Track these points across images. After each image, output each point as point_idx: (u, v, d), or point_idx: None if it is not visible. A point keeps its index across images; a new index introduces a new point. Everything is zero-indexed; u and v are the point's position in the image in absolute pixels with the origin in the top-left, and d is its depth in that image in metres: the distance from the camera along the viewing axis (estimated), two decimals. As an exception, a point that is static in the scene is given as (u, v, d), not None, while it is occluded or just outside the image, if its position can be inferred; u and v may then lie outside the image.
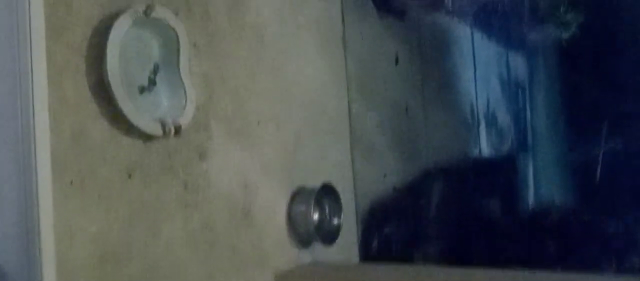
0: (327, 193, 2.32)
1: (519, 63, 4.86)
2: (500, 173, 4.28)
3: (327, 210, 2.33)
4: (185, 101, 1.77)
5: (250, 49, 2.13)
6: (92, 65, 1.58)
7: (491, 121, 4.39)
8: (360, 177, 2.74)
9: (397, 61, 3.10)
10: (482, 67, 4.16)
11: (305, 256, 2.29)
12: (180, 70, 1.78)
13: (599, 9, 4.67)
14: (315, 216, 2.27)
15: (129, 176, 1.64)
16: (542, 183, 4.66)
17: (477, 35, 4.07)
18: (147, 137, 1.68)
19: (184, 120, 1.76)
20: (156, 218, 1.71)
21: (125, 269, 1.61)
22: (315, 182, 2.31)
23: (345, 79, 2.70)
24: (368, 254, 2.66)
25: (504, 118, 4.59)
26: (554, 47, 5.07)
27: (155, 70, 1.74)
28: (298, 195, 2.25)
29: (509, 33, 4.58)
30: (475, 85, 4.10)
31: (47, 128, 1.43)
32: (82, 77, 1.57)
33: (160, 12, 1.71)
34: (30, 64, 1.37)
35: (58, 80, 1.51)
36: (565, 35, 4.77)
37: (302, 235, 2.23)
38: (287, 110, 2.29)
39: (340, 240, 2.36)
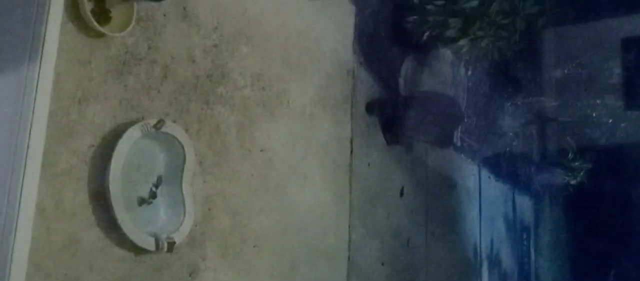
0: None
1: (525, 205, 4.85)
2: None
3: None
4: (183, 217, 1.76)
5: (256, 169, 2.14)
6: (95, 173, 1.58)
7: (494, 262, 4.31)
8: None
9: (402, 193, 3.10)
10: (487, 207, 4.15)
11: None
12: (183, 186, 1.77)
13: (606, 158, 4.72)
14: None
15: (115, 289, 1.60)
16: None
17: (485, 175, 4.10)
18: (139, 250, 1.65)
19: (179, 237, 1.73)
20: (136, 336, 1.64)
21: None
22: (308, 311, 2.23)
23: (348, 206, 2.68)
24: None
25: (507, 260, 4.52)
26: (561, 192, 5.08)
27: (157, 183, 1.74)
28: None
29: (517, 175, 4.61)
30: (480, 224, 4.07)
31: (28, 238, 1.38)
32: (83, 184, 1.56)
33: (170, 127, 1.74)
34: (23, 174, 1.35)
35: (58, 184, 1.50)
36: (573, 181, 4.80)
37: None
38: (285, 233, 2.26)
39: None
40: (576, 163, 4.84)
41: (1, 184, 1.37)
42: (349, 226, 2.68)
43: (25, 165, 1.35)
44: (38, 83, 1.39)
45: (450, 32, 3.07)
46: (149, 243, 1.64)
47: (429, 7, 3.01)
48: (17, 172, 1.35)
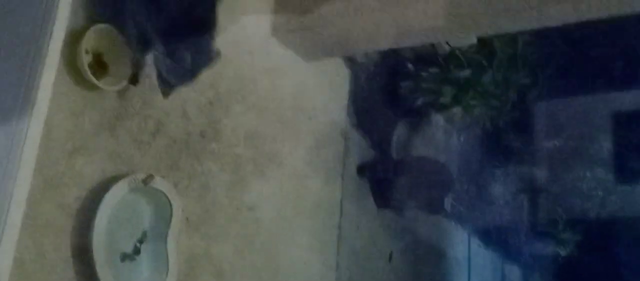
0: None
1: (514, 276, 4.80)
2: None
3: None
4: (166, 276, 1.72)
5: (244, 228, 2.12)
6: (79, 227, 1.56)
7: (482, 333, 4.23)
8: None
9: (390, 258, 3.07)
10: (476, 275, 4.10)
11: None
12: (168, 242, 1.75)
13: (597, 230, 4.71)
14: None
15: None
16: None
17: (474, 243, 4.07)
18: (119, 308, 1.60)
19: (160, 296, 1.70)
20: None
21: None
22: None
23: (335, 270, 2.64)
24: None
25: (495, 331, 4.44)
26: (551, 263, 5.04)
27: (142, 239, 1.71)
28: None
29: (507, 244, 4.58)
30: (469, 293, 4.01)
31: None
32: (66, 237, 1.54)
33: (159, 183, 1.72)
34: (4, 225, 1.33)
35: (40, 236, 1.48)
36: (563, 253, 4.77)
37: None
38: (270, 296, 2.22)
39: None
40: (566, 235, 4.82)
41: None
42: (335, 291, 2.63)
43: (7, 215, 1.33)
44: (27, 134, 1.38)
45: (444, 100, 3.11)
46: (129, 301, 1.61)
47: (423, 74, 3.06)
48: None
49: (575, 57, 4.12)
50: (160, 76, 1.80)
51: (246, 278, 2.11)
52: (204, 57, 1.94)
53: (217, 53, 1.99)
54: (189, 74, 1.89)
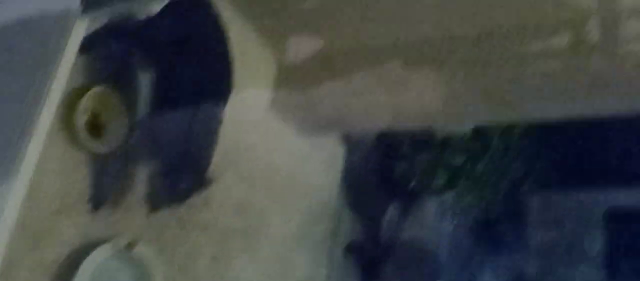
0: None
1: None
2: None
3: None
4: None
5: (225, 302, 2.05)
6: (56, 291, 1.51)
7: None
8: None
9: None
10: None
11: None
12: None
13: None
14: None
15: None
16: None
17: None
18: None
19: None
20: None
21: None
22: None
23: None
24: None
25: None
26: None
27: (120, 309, 1.66)
28: None
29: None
30: None
31: None
32: (41, 303, 1.49)
33: (141, 250, 1.68)
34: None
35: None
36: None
37: None
38: None
39: None
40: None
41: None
42: None
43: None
44: (11, 191, 1.36)
45: (437, 184, 3.10)
46: None
47: (418, 157, 3.06)
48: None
49: (571, 151, 4.15)
50: (150, 195, 1.79)
51: None
52: (199, 180, 1.94)
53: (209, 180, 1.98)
54: (181, 197, 1.88)
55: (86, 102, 1.62)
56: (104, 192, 1.67)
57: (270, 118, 2.37)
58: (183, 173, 1.88)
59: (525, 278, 4.73)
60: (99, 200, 1.65)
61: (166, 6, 1.69)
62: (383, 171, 3.13)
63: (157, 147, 1.79)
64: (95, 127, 1.68)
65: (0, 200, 1.30)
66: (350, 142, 2.89)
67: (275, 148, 2.42)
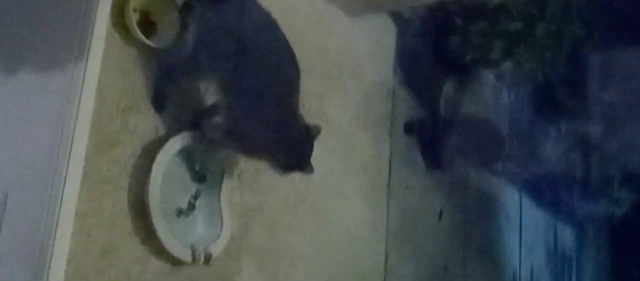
0: None
1: (567, 235, 4.70)
2: None
3: None
4: (221, 230, 1.75)
5: (294, 185, 2.12)
6: (135, 183, 1.59)
7: (535, 291, 4.18)
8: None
9: (440, 217, 3.04)
10: (528, 234, 4.04)
11: None
12: (221, 198, 1.77)
13: (654, 187, 4.55)
14: None
15: (151, 299, 1.59)
16: None
17: (526, 202, 3.99)
18: (176, 262, 1.64)
19: (216, 249, 1.73)
20: None
21: None
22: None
23: (385, 229, 2.64)
24: None
25: (548, 289, 4.38)
26: (606, 223, 4.91)
27: (196, 195, 1.74)
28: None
29: (559, 203, 4.48)
30: (520, 251, 3.96)
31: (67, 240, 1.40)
32: (123, 193, 1.58)
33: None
34: (65, 176, 1.37)
35: (98, 192, 1.51)
36: (618, 212, 4.63)
37: None
38: (321, 252, 2.23)
39: None
40: (622, 194, 4.67)
41: (43, 187, 1.39)
42: (386, 249, 2.63)
43: (67, 169, 1.37)
44: (82, 89, 1.42)
45: (493, 55, 3.02)
46: (186, 255, 1.64)
47: (472, 28, 2.97)
48: (59, 176, 1.37)
49: (631, 5, 3.94)
50: None
51: (298, 235, 2.13)
52: None
53: None
54: None
55: (135, 1, 1.63)
56: (165, 90, 1.71)
57: (318, 1, 2.34)
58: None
59: (589, 141, 4.66)
60: (161, 97, 1.69)
61: None
62: (436, 47, 3.06)
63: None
64: (147, 25, 1.70)
65: (75, 89, 1.35)
66: (401, 20, 2.82)
67: (326, 32, 2.40)
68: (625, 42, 4.39)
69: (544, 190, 4.19)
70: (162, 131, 1.69)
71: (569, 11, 3.08)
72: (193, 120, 1.72)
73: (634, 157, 4.65)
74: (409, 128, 2.87)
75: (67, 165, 1.41)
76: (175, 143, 1.67)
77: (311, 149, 1.85)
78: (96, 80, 1.46)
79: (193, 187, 1.75)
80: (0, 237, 1.42)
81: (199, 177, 1.75)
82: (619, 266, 4.95)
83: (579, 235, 4.88)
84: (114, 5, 1.60)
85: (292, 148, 1.82)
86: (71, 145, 1.41)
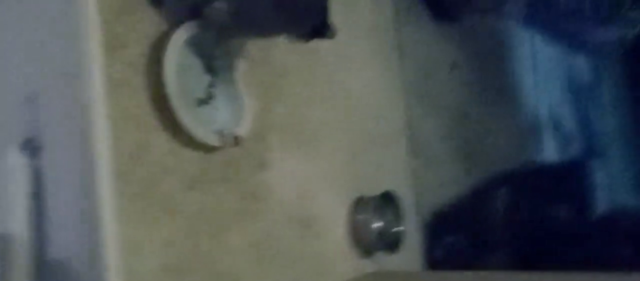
0: (387, 202, 2.29)
1: (582, 65, 4.70)
2: (567, 179, 4.13)
3: (388, 218, 2.29)
4: (243, 112, 1.79)
5: (305, 59, 2.13)
6: (151, 80, 1.61)
7: (555, 125, 4.25)
8: (421, 184, 2.69)
9: (454, 67, 3.05)
10: (543, 71, 4.05)
11: (368, 265, 2.25)
12: (237, 82, 1.80)
13: (666, 4, 4.46)
14: (377, 224, 2.24)
15: (191, 188, 1.66)
16: (612, 188, 4.46)
17: (537, 38, 3.97)
18: (207, 149, 1.70)
19: (242, 131, 1.77)
20: (218, 228, 1.72)
21: (188, 279, 1.62)
22: (375, 191, 2.28)
23: (402, 86, 2.67)
24: (432, 262, 2.60)
25: (568, 122, 4.44)
26: (619, 46, 4.87)
27: (212, 84, 1.77)
28: (358, 204, 2.22)
29: (571, 34, 4.44)
30: (536, 89, 3.99)
31: (107, 143, 1.46)
32: (142, 92, 1.60)
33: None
34: (89, 81, 1.41)
35: (118, 96, 1.54)
36: (630, 33, 4.59)
37: (364, 244, 2.21)
38: (343, 119, 2.28)
39: (403, 249, 2.32)
40: (633, 14, 4.60)
41: (70, 88, 1.43)
42: (405, 106, 2.67)
43: (88, 71, 1.41)
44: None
45: None
46: (215, 140, 1.69)
47: None
48: (82, 78, 1.41)
49: None
50: None
51: (316, 109, 2.17)
52: None
53: None
54: None
55: None
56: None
57: None
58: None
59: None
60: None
61: None
62: None
63: None
64: None
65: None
66: None
67: None
68: None
69: (554, 22, 4.14)
70: (164, 26, 1.68)
71: None
72: (193, 8, 1.71)
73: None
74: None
75: (87, 67, 1.44)
76: (181, 35, 1.67)
77: (326, 10, 1.81)
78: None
79: (208, 76, 1.77)
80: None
81: (212, 66, 1.76)
82: (636, 88, 4.97)
83: (594, 65, 4.87)
84: None
85: (306, 15, 1.78)
86: (87, 48, 1.44)
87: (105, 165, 1.45)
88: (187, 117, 1.62)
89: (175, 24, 1.69)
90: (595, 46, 4.92)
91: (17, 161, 1.57)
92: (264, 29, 1.76)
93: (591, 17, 4.78)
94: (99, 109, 1.47)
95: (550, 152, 4.13)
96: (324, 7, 1.80)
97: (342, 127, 2.27)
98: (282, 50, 2.04)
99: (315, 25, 1.80)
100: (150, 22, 1.66)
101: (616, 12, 4.75)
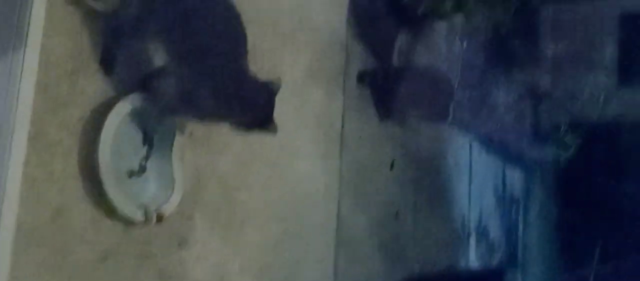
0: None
1: (515, 179, 4.89)
2: (486, 287, 4.22)
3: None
4: (173, 189, 1.78)
5: (247, 142, 2.15)
6: (85, 146, 1.60)
7: (482, 233, 4.37)
8: (343, 279, 2.71)
9: (392, 166, 3.13)
10: (477, 180, 4.19)
11: None
12: (173, 158, 1.79)
13: (598, 134, 4.76)
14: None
15: (104, 260, 1.63)
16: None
17: (476, 148, 4.13)
18: (129, 222, 1.68)
19: (168, 208, 1.76)
20: (126, 304, 1.68)
21: None
22: (295, 282, 2.28)
23: (338, 180, 2.71)
24: None
25: (495, 232, 4.58)
26: (552, 166, 5.12)
27: (147, 156, 1.76)
28: (275, 295, 2.21)
29: (508, 149, 4.65)
30: (470, 197, 4.12)
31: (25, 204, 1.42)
32: (73, 156, 1.58)
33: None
34: (10, 143, 1.38)
35: (47, 156, 1.52)
36: (564, 156, 4.84)
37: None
38: (276, 205, 2.29)
39: None
40: (568, 138, 4.87)
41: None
42: (338, 199, 2.71)
43: (12, 133, 1.37)
44: (25, 52, 1.40)
45: (445, 7, 3.06)
46: (138, 216, 1.67)
47: (425, -19, 3.00)
48: (3, 140, 1.38)
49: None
50: None
51: (252, 191, 2.17)
52: None
53: None
54: None
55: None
56: (113, 52, 1.69)
57: (269, -44, 2.32)
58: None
59: (538, 90, 4.80)
60: (109, 59, 1.67)
61: None
62: (390, -1, 3.08)
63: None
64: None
65: (16, 64, 1.34)
66: (354, -28, 2.82)
67: (279, -14, 2.38)
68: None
69: (494, 137, 4.33)
70: (111, 93, 1.68)
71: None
72: (142, 82, 1.72)
73: (579, 105, 4.83)
74: (361, 78, 2.91)
75: (13, 129, 1.41)
76: (125, 105, 1.68)
77: (272, 105, 1.85)
78: (39, 43, 1.44)
79: (144, 148, 1.76)
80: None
81: (149, 139, 1.76)
82: (563, 205, 5.20)
83: (527, 179, 5.08)
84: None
85: (250, 107, 1.82)
86: (16, 109, 1.41)
87: (14, 229, 1.40)
88: (113, 188, 1.60)
89: (121, 93, 1.70)
90: (530, 163, 5.15)
91: None
92: (207, 113, 1.78)
93: (529, 135, 5.03)
94: (20, 167, 1.43)
95: (473, 258, 4.23)
96: (270, 103, 1.84)
97: (273, 214, 2.28)
98: (224, 130, 2.05)
99: (258, 118, 1.83)
100: (97, 86, 1.66)
101: (553, 134, 5.02)
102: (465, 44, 3.76)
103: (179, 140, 1.82)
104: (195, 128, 1.94)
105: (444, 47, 3.60)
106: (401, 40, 3.21)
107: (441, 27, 3.47)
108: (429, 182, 3.58)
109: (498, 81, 4.34)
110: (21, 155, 1.43)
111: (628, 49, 4.62)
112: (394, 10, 3.10)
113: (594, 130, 4.82)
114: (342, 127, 2.78)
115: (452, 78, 3.52)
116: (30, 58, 1.44)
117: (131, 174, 1.72)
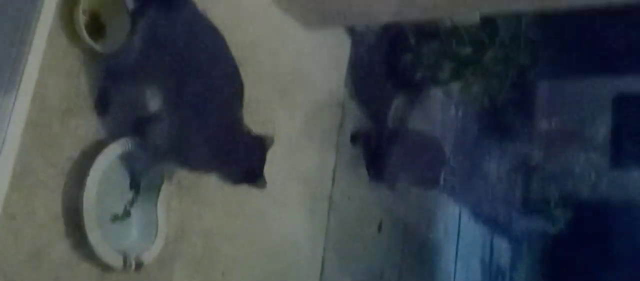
0: None
1: (503, 250, 4.86)
2: None
3: None
4: (155, 237, 1.76)
5: (235, 194, 2.14)
6: (70, 186, 1.58)
7: (467, 302, 4.31)
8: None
9: (380, 228, 3.11)
10: (464, 248, 4.16)
11: None
12: (158, 205, 1.78)
13: (587, 211, 4.76)
14: None
15: (78, 304, 1.59)
16: None
17: (465, 216, 4.12)
18: (106, 268, 1.65)
19: (149, 256, 1.73)
20: None
21: None
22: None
23: (324, 238, 2.68)
24: None
25: (480, 301, 4.52)
26: (540, 239, 5.10)
27: (132, 202, 1.74)
28: None
29: (497, 219, 4.64)
30: (456, 264, 4.08)
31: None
32: (58, 196, 1.57)
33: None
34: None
35: (31, 194, 1.51)
36: (553, 229, 4.83)
37: None
38: (258, 260, 2.26)
39: None
40: (557, 213, 4.87)
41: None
42: (323, 258, 2.68)
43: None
44: (19, 89, 1.40)
45: (443, 75, 3.10)
46: (117, 261, 1.64)
47: (424, 48, 3.05)
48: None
49: (578, 38, 4.09)
50: None
51: (235, 244, 2.15)
52: None
53: None
54: None
55: (85, 2, 1.62)
56: (109, 94, 1.69)
57: (274, 12, 2.35)
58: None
59: (529, 163, 4.83)
60: (104, 100, 1.68)
61: None
62: (389, 63, 3.12)
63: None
64: (96, 28, 1.68)
65: (6, 104, 1.33)
66: (356, 35, 2.87)
67: (280, 42, 2.42)
68: (569, 72, 4.56)
69: (483, 206, 4.32)
70: (103, 135, 1.68)
71: (518, 40, 3.19)
72: (135, 126, 1.72)
73: (570, 181, 4.85)
74: (354, 138, 2.92)
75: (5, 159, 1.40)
76: (116, 148, 1.67)
77: (263, 161, 1.84)
78: (33, 81, 1.45)
79: (131, 193, 1.75)
80: None
81: (137, 184, 1.75)
82: (549, 278, 5.16)
83: (514, 250, 5.05)
84: (64, 5, 1.59)
85: (241, 160, 1.81)
86: (2, 145, 1.40)
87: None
88: (94, 231, 1.58)
89: (113, 135, 1.69)
90: (518, 234, 5.14)
91: None
92: (198, 163, 1.78)
93: (519, 207, 5.03)
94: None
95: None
96: (261, 158, 1.84)
97: (255, 269, 2.25)
98: (212, 181, 2.04)
99: (248, 172, 1.83)
100: (89, 127, 1.66)
101: (542, 207, 5.02)
102: (460, 112, 3.80)
103: (166, 187, 1.81)
104: (184, 176, 1.93)
105: (439, 114, 3.64)
106: (397, 103, 3.24)
107: (437, 94, 3.51)
108: (415, 247, 3.56)
109: (491, 151, 4.37)
110: (2, 192, 1.41)
111: (621, 130, 4.67)
112: (392, 74, 3.14)
113: (584, 206, 4.83)
114: (332, 185, 2.77)
115: (445, 145, 3.54)
116: (22, 99, 1.44)
117: (115, 218, 1.71)
